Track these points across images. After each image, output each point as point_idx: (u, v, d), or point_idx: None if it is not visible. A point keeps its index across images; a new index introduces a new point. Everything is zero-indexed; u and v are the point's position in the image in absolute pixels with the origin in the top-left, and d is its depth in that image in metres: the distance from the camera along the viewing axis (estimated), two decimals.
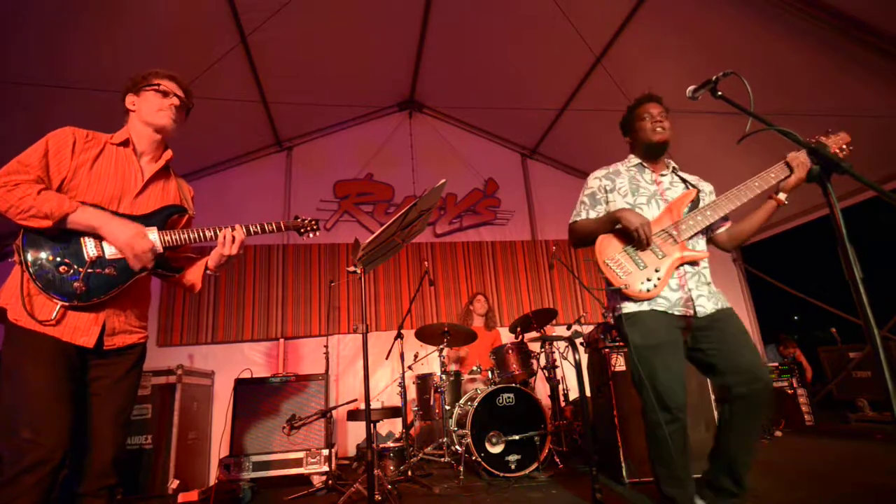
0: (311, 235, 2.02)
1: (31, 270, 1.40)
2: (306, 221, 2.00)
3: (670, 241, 1.85)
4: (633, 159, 2.06)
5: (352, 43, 4.46)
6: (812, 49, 3.42)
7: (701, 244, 1.93)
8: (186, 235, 1.64)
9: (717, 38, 3.66)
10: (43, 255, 1.42)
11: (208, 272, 1.77)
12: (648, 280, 1.81)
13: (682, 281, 1.83)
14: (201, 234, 1.67)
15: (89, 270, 1.46)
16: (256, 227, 1.78)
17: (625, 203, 1.95)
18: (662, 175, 2.03)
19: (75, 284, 1.43)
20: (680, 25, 3.75)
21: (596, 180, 2.05)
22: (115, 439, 1.49)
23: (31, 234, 1.43)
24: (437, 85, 5.56)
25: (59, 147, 1.49)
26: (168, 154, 1.72)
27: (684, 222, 1.87)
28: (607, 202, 2.01)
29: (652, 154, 2.02)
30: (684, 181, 2.02)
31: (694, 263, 1.87)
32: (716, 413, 2.86)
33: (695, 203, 1.95)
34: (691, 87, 1.66)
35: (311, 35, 4.23)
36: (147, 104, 1.65)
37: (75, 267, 1.44)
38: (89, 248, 1.48)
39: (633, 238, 1.80)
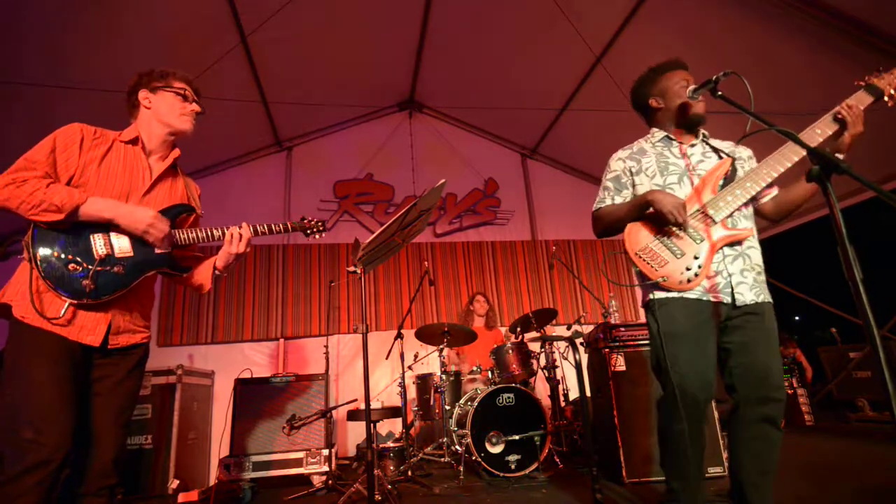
0: (317, 237, 2.01)
1: (40, 267, 1.39)
2: (312, 222, 2.00)
3: (708, 221, 1.63)
4: (658, 133, 1.83)
5: (352, 43, 4.46)
6: (813, 49, 3.42)
7: (743, 221, 1.68)
8: (195, 234, 1.65)
9: (717, 38, 3.66)
10: (52, 252, 1.41)
11: (217, 272, 1.77)
12: (688, 269, 1.60)
13: (720, 266, 1.63)
14: (209, 234, 1.68)
15: (98, 268, 1.45)
16: (264, 227, 1.79)
17: (653, 185, 1.74)
18: (692, 146, 1.79)
19: (84, 282, 1.42)
20: (680, 25, 3.75)
21: (619, 162, 1.84)
22: (116, 439, 1.49)
23: (40, 231, 1.42)
24: (437, 85, 5.56)
25: (66, 143, 1.48)
26: (176, 152, 1.72)
27: (721, 198, 1.63)
28: (634, 185, 1.79)
29: (690, 125, 1.79)
30: (717, 151, 1.78)
31: (736, 244, 1.64)
32: (716, 413, 2.86)
33: (731, 175, 1.71)
34: (691, 87, 1.67)
35: (311, 35, 4.23)
36: (167, 106, 1.66)
37: (84, 265, 1.44)
38: (98, 246, 1.48)
39: (667, 223, 1.61)
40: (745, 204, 1.66)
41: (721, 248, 1.63)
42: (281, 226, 1.83)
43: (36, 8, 2.95)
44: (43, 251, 1.41)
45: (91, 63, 3.36)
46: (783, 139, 1.52)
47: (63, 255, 1.42)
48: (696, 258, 1.61)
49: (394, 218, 2.05)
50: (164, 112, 1.65)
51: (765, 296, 1.64)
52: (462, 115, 5.95)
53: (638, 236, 1.68)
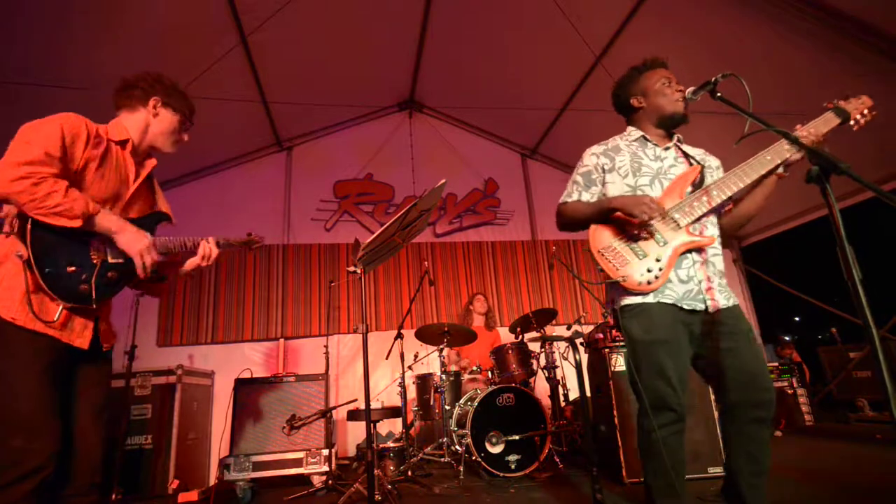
0: (255, 249, 2.01)
1: (38, 268, 1.35)
2: (254, 237, 1.99)
3: (672, 226, 1.64)
4: (634, 132, 1.82)
5: (352, 43, 4.46)
6: (813, 48, 3.42)
7: (711, 229, 1.70)
8: (174, 244, 1.67)
9: (717, 38, 3.66)
10: (51, 253, 1.39)
11: (182, 275, 1.80)
12: (649, 271, 1.61)
13: (690, 272, 1.64)
14: (183, 243, 1.70)
15: (97, 273, 1.46)
16: (221, 240, 1.80)
17: (624, 185, 1.74)
18: (666, 149, 1.79)
19: (82, 287, 1.42)
20: (680, 25, 3.75)
21: (593, 157, 1.81)
22: (101, 438, 1.51)
23: (39, 230, 1.37)
24: (437, 85, 5.56)
25: (74, 138, 1.43)
26: (153, 161, 1.73)
27: (687, 204, 1.64)
28: (604, 183, 1.78)
29: (670, 126, 1.79)
30: (687, 156, 1.79)
31: (702, 250, 1.66)
32: (716, 413, 2.86)
33: (699, 182, 1.71)
34: (691, 88, 1.66)
35: (311, 35, 4.23)
36: (168, 126, 1.68)
37: (83, 268, 1.44)
38: (96, 251, 1.48)
39: (634, 222, 1.61)
40: (710, 212, 1.68)
41: (683, 252, 1.64)
42: (231, 240, 1.86)
43: (35, 8, 2.95)
44: (41, 252, 1.37)
45: (91, 63, 3.36)
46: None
47: (62, 258, 1.40)
48: (657, 261, 1.61)
49: (394, 218, 2.05)
50: (162, 130, 1.67)
51: (734, 299, 1.67)
52: (462, 115, 5.95)
53: (602, 235, 1.69)
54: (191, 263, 1.76)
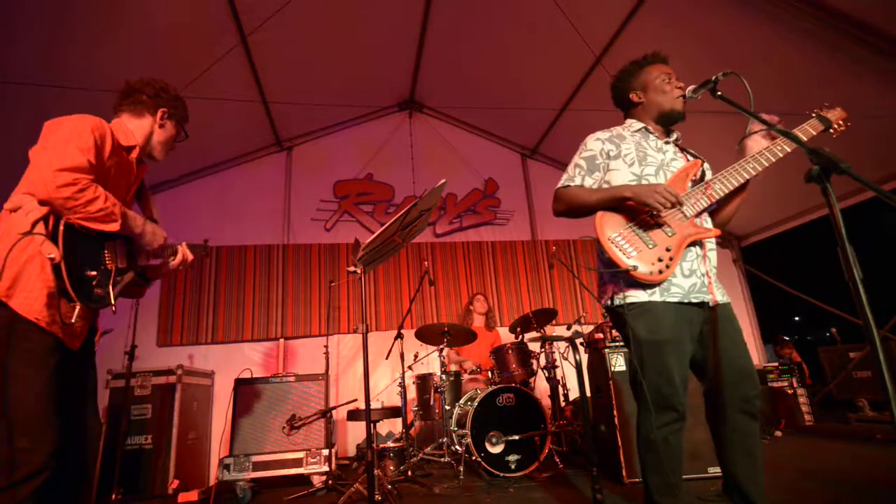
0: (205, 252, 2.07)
1: (67, 270, 1.35)
2: (207, 244, 2.06)
3: (680, 217, 1.64)
4: (636, 123, 1.81)
5: (352, 43, 4.46)
6: (813, 48, 3.42)
7: (709, 222, 1.73)
8: (166, 248, 1.72)
9: (717, 38, 3.66)
10: (76, 257, 1.40)
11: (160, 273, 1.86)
12: (660, 260, 1.57)
13: (694, 265, 1.64)
14: (169, 247, 1.76)
15: (115, 277, 1.51)
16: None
17: (630, 173, 1.71)
18: (667, 143, 1.80)
19: (98, 290, 1.45)
20: (680, 25, 3.75)
21: (598, 142, 1.77)
22: (98, 432, 1.57)
23: (72, 233, 1.37)
24: (437, 85, 5.56)
25: (102, 143, 1.46)
26: (146, 167, 1.77)
27: (693, 196, 1.65)
28: (608, 169, 1.75)
29: (667, 123, 1.79)
30: (685, 151, 1.82)
31: (701, 245, 1.67)
32: None
33: (699, 177, 1.73)
34: (691, 87, 1.66)
35: (311, 35, 4.23)
36: (167, 137, 1.74)
37: (99, 272, 1.47)
38: (110, 255, 1.52)
39: (648, 210, 1.59)
40: (708, 208, 1.69)
41: (689, 244, 1.63)
42: (192, 245, 1.91)
43: (35, 8, 2.95)
44: (69, 255, 1.37)
45: (91, 63, 3.36)
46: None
47: (83, 262, 1.43)
48: (667, 250, 1.60)
49: (394, 218, 2.05)
50: (161, 140, 1.72)
51: (726, 297, 1.69)
52: (462, 115, 5.95)
53: (610, 223, 1.65)
54: (172, 266, 1.81)
